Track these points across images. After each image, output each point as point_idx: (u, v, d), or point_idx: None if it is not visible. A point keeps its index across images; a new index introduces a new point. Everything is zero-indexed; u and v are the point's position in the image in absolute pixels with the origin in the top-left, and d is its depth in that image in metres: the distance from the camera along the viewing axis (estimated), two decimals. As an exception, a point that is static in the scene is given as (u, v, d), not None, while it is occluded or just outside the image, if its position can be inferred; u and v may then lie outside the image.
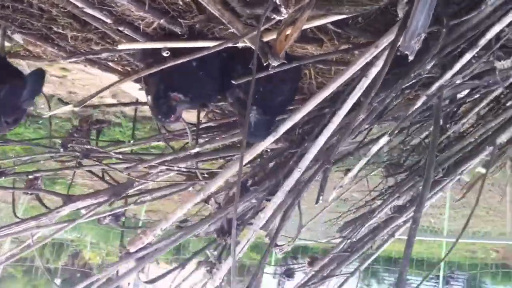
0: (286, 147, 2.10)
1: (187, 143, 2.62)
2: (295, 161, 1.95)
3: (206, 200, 2.01)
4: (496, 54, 1.94)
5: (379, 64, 1.77)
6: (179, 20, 2.17)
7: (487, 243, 9.50)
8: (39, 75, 2.06)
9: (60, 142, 2.68)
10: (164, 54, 1.83)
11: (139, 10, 2.08)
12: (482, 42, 1.91)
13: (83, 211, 2.94)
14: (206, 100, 2.10)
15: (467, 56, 1.95)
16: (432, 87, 2.03)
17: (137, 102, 3.18)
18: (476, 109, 2.56)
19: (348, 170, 2.44)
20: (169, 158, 2.25)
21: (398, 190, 2.56)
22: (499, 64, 1.93)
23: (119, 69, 2.82)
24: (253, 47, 1.56)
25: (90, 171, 3.15)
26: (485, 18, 1.87)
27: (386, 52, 1.75)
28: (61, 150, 2.33)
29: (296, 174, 1.94)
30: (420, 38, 1.57)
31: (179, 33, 2.23)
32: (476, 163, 2.64)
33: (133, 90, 3.73)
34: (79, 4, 2.09)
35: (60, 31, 2.28)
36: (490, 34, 1.89)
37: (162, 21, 2.14)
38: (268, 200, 2.00)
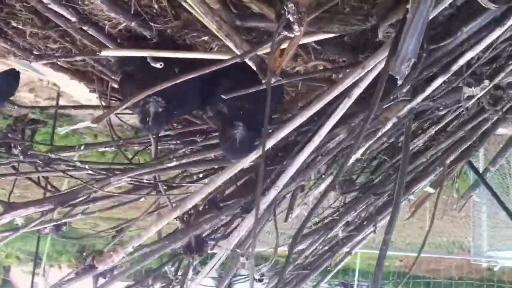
0: (259, 163, 2.06)
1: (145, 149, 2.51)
2: (273, 179, 1.91)
3: (180, 217, 1.92)
4: (466, 80, 2.00)
5: (363, 85, 1.77)
6: (150, 24, 2.07)
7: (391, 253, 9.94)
8: (12, 75, 1.88)
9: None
10: (157, 65, 1.71)
11: (110, 11, 1.96)
12: (454, 67, 1.97)
13: (18, 220, 2.75)
14: (186, 111, 2.01)
15: (439, 80, 2.00)
16: (404, 109, 2.07)
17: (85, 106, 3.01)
18: (431, 130, 2.65)
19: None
20: (144, 171, 2.13)
21: (353, 207, 2.58)
22: (468, 90, 1.99)
23: (69, 67, 2.66)
24: (248, 63, 1.50)
25: (29, 178, 2.94)
26: (459, 44, 1.92)
27: (371, 74, 1.77)
28: (21, 157, 2.13)
29: (273, 192, 1.90)
30: (410, 63, 1.59)
31: (148, 37, 2.13)
32: (425, 183, 2.73)
33: (76, 92, 3.55)
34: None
35: (20, 26, 2.10)
36: (462, 61, 1.95)
37: (133, 23, 2.03)
38: (243, 218, 1.95)
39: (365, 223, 2.60)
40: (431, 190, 2.87)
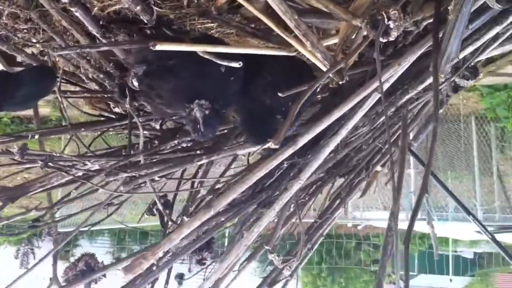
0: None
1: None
2: (296, 172, 1.89)
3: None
4: (462, 73, 2.14)
5: (391, 80, 1.81)
6: (153, 8, 1.90)
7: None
8: (44, 72, 1.58)
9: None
10: (237, 65, 1.52)
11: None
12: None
13: None
14: (231, 108, 1.86)
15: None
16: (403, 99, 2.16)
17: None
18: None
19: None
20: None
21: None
22: (464, 83, 2.13)
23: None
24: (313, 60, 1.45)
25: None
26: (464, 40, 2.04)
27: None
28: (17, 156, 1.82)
29: (296, 186, 1.89)
30: (453, 62, 1.66)
31: (145, 21, 1.95)
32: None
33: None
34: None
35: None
36: (462, 55, 2.07)
37: (138, 7, 1.84)
38: (262, 212, 1.91)
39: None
40: (379, 168, 3.05)
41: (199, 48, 1.56)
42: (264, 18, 1.51)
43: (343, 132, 1.89)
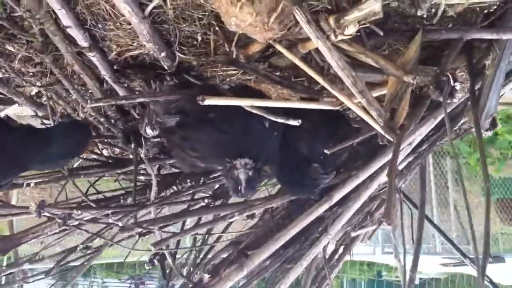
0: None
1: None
2: (324, 227, 1.81)
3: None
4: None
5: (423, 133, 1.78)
6: (176, 54, 1.81)
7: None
8: (77, 129, 1.44)
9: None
10: (296, 123, 1.45)
11: (149, 41, 1.65)
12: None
13: None
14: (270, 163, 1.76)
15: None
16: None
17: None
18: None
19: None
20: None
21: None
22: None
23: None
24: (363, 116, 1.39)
25: None
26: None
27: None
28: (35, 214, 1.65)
29: (324, 241, 1.81)
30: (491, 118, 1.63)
31: (166, 67, 1.86)
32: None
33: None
34: (65, 22, 1.56)
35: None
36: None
37: (162, 54, 1.74)
38: (288, 269, 1.81)
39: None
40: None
41: (248, 103, 1.46)
42: (310, 71, 1.45)
43: (374, 186, 1.84)
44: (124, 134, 2.28)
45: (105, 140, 2.57)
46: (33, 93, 2.25)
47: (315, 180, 1.67)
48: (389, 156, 1.70)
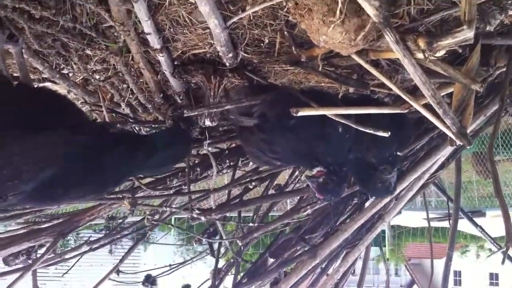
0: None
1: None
2: (381, 215, 1.96)
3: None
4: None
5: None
6: (238, 52, 1.90)
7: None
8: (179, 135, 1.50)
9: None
10: (385, 135, 1.54)
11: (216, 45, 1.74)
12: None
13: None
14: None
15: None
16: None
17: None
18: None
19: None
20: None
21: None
22: None
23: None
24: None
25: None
26: None
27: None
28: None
29: (380, 227, 1.98)
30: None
31: (227, 64, 1.95)
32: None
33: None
34: (147, 30, 1.63)
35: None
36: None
37: (230, 54, 1.84)
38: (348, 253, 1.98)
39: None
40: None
41: (334, 112, 1.55)
42: (382, 77, 1.54)
43: (425, 177, 1.99)
44: (173, 121, 2.37)
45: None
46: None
47: (385, 182, 1.79)
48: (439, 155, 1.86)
